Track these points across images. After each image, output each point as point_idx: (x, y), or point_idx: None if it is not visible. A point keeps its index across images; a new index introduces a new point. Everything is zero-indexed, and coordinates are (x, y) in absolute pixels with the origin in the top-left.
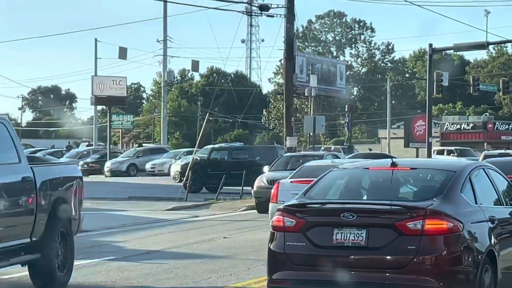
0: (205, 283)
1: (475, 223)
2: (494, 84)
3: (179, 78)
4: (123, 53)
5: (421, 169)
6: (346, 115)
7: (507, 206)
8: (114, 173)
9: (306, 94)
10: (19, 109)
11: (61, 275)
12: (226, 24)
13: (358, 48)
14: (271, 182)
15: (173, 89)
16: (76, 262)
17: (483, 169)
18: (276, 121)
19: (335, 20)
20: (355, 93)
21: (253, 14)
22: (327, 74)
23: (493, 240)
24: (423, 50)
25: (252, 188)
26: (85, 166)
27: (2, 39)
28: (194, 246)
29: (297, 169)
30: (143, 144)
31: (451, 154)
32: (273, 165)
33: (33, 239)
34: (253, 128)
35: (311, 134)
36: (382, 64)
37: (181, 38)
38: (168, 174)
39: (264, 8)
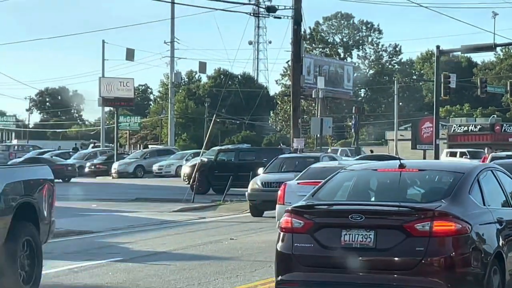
0: (211, 284)
1: (483, 224)
2: (501, 86)
3: (186, 79)
4: (130, 54)
5: (429, 171)
6: (353, 116)
7: None
8: (121, 174)
9: (313, 96)
10: (27, 110)
11: None
12: (233, 26)
13: (366, 50)
14: (266, 184)
15: (180, 91)
16: (82, 263)
17: (491, 170)
18: (283, 122)
19: (342, 21)
20: (362, 94)
21: (260, 15)
22: (334, 75)
23: (501, 241)
24: (430, 52)
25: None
26: (92, 167)
27: (10, 40)
28: (200, 247)
29: (304, 170)
30: (150, 146)
31: (464, 156)
32: (268, 167)
33: None
34: (260, 129)
35: (318, 135)
36: (390, 66)
37: (189, 39)
38: (175, 176)
39: (271, 9)
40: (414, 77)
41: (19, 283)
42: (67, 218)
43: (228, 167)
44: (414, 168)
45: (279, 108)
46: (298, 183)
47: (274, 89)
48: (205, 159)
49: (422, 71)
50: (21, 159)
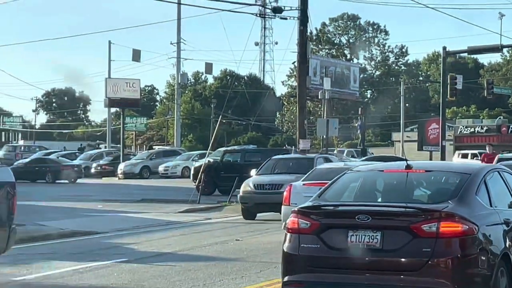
0: (216, 285)
1: (490, 225)
2: (508, 87)
3: (192, 80)
4: (136, 55)
5: (436, 172)
6: (359, 118)
7: None
8: (127, 175)
9: (319, 97)
10: (33, 111)
11: None
12: (239, 27)
13: (372, 51)
14: (258, 186)
15: (186, 92)
16: (87, 264)
17: (498, 172)
18: (290, 123)
19: (349, 23)
20: (368, 96)
21: (266, 16)
22: (340, 76)
23: (508, 242)
24: (437, 53)
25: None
26: (99, 168)
27: (17, 41)
28: (206, 248)
29: (310, 171)
30: (156, 147)
31: (475, 158)
32: (261, 169)
33: None
34: (266, 130)
35: (324, 136)
36: (396, 67)
37: (195, 40)
38: (181, 176)
39: (277, 10)
40: (421, 78)
41: None
42: (73, 218)
43: (234, 168)
44: (420, 169)
45: (285, 109)
46: (303, 184)
47: (280, 90)
48: (211, 160)
49: (428, 72)
50: (27, 160)
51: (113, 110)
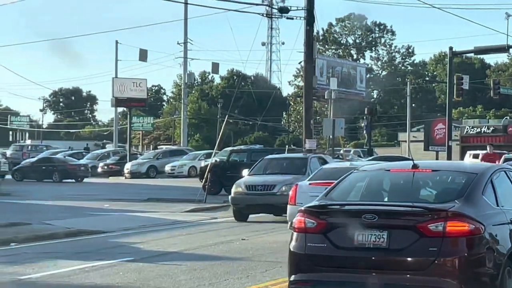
0: (222, 285)
1: (497, 225)
2: None
3: (199, 80)
4: (143, 55)
5: (443, 171)
6: (365, 118)
7: None
8: (134, 174)
9: (326, 97)
10: (41, 110)
11: None
12: (246, 27)
13: (379, 51)
14: (250, 188)
15: (193, 91)
16: (93, 263)
17: (505, 171)
18: (296, 123)
19: (355, 23)
20: (375, 96)
21: (273, 16)
22: (347, 77)
23: None
24: (443, 53)
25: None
26: (105, 167)
27: (24, 41)
28: (212, 247)
29: (316, 171)
30: (164, 146)
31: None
32: (253, 169)
33: None
34: (273, 130)
35: (330, 136)
36: (403, 67)
37: (202, 40)
38: (187, 176)
39: (283, 10)
40: (427, 78)
41: None
42: (79, 217)
43: (241, 168)
44: (427, 169)
45: (291, 109)
46: (309, 184)
47: (287, 90)
48: (218, 160)
49: (435, 73)
50: (34, 159)
51: (120, 109)
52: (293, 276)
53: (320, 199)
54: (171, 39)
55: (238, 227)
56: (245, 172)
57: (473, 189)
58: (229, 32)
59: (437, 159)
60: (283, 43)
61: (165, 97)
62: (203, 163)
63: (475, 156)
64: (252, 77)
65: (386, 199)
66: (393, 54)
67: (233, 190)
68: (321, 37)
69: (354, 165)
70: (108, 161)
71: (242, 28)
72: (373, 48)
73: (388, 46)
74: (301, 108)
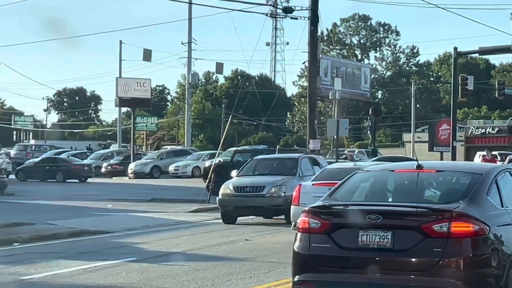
0: (225, 285)
1: (501, 226)
2: None
3: (203, 80)
4: (147, 55)
5: (447, 172)
6: (369, 118)
7: None
8: (137, 175)
9: (330, 97)
10: (45, 110)
11: None
12: (250, 27)
13: (383, 52)
14: (238, 189)
15: (197, 92)
16: (96, 263)
17: (510, 172)
18: (300, 124)
19: (360, 23)
20: (379, 96)
21: (277, 16)
22: (351, 77)
23: None
24: (448, 54)
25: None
26: (109, 167)
27: (28, 40)
28: (215, 248)
29: (319, 171)
30: (168, 146)
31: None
32: (242, 170)
33: None
34: (277, 131)
35: (334, 137)
36: (407, 68)
37: (206, 40)
38: (191, 176)
39: (287, 10)
40: (432, 79)
41: None
42: (83, 218)
43: None
44: (431, 169)
45: (296, 109)
46: (313, 184)
47: (291, 90)
48: (221, 160)
49: (439, 73)
50: (38, 159)
51: (124, 109)
52: (297, 276)
53: (324, 200)
54: (175, 39)
55: (241, 227)
56: (234, 173)
57: (478, 189)
58: (233, 32)
59: (441, 159)
60: (287, 43)
61: (169, 97)
62: (207, 164)
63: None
64: (256, 77)
65: (390, 200)
66: (398, 54)
67: (221, 191)
68: (325, 37)
69: (357, 166)
70: (111, 161)
71: (246, 28)
72: (378, 49)
73: (392, 47)
74: (305, 108)
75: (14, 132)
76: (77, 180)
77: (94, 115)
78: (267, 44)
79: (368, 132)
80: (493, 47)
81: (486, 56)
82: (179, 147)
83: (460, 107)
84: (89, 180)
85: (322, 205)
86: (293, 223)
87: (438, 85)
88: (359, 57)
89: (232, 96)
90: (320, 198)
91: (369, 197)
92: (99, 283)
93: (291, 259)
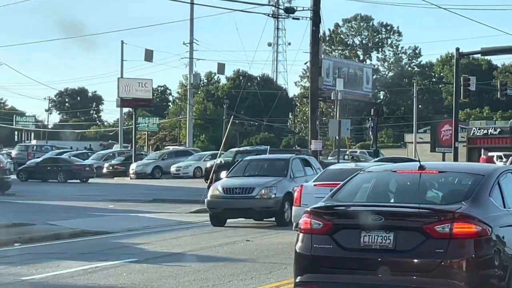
0: (226, 286)
1: (504, 227)
2: None
3: (205, 80)
4: (149, 55)
5: (449, 173)
6: (371, 118)
7: None
8: (139, 175)
9: (332, 98)
10: (46, 110)
11: None
12: (252, 27)
13: (385, 52)
14: (227, 191)
15: (199, 92)
16: (97, 264)
17: None
18: (302, 124)
19: (362, 24)
20: (381, 97)
21: (279, 17)
22: (353, 77)
23: None
24: (450, 55)
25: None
26: (110, 168)
27: (30, 40)
28: (216, 249)
29: (321, 172)
30: (170, 147)
31: (499, 160)
32: (231, 171)
33: None
34: (279, 131)
35: (336, 137)
36: (409, 68)
37: (208, 40)
38: (193, 177)
39: (289, 10)
40: (434, 79)
41: None
42: (84, 218)
43: None
44: (434, 170)
45: (297, 110)
46: (314, 185)
47: (293, 91)
48: (223, 161)
49: (441, 74)
50: (39, 159)
51: (125, 110)
52: (299, 277)
53: (326, 200)
54: (177, 40)
55: (242, 228)
56: (223, 174)
57: (480, 190)
58: (235, 33)
59: (443, 160)
60: (289, 44)
61: (170, 98)
62: (208, 164)
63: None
64: (258, 78)
65: (392, 201)
66: (400, 55)
67: (209, 193)
68: (327, 38)
69: (359, 166)
70: (113, 162)
71: (248, 29)
72: (380, 49)
73: (394, 47)
74: (307, 109)
75: (16, 132)
76: (78, 181)
77: (95, 116)
78: (269, 44)
79: (370, 133)
80: (495, 47)
81: (488, 57)
82: (181, 148)
83: (462, 108)
84: (90, 180)
85: (324, 205)
86: (294, 224)
87: (440, 85)
88: (361, 57)
89: (234, 97)
90: (321, 199)
91: (371, 198)
92: (100, 283)
93: (293, 260)
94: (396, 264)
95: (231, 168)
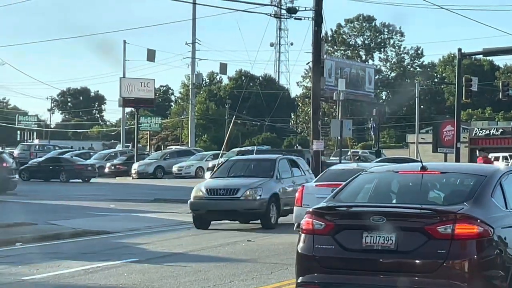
0: (227, 286)
1: (506, 228)
2: None
3: (207, 80)
4: (151, 55)
5: (451, 173)
6: (372, 119)
7: None
8: (141, 175)
9: (334, 98)
10: (49, 110)
11: None
12: (254, 27)
13: (387, 52)
14: (211, 192)
15: (201, 92)
16: (98, 264)
17: None
18: (304, 124)
19: (364, 24)
20: (383, 97)
21: (281, 17)
22: (355, 78)
23: None
24: (452, 55)
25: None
26: (112, 167)
27: (32, 40)
28: (217, 249)
29: (322, 172)
30: (173, 147)
31: (504, 161)
32: (216, 171)
33: None
34: (281, 131)
35: (338, 137)
36: (411, 69)
37: (210, 40)
38: (195, 177)
39: (291, 10)
40: (436, 80)
41: None
42: (85, 218)
43: None
44: (436, 171)
45: (300, 110)
46: (316, 185)
47: (295, 91)
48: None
49: (443, 74)
50: (41, 159)
51: (128, 110)
52: (300, 277)
53: (328, 201)
54: (179, 40)
55: (244, 228)
56: (207, 174)
57: (482, 191)
58: (237, 33)
59: (445, 161)
60: (291, 44)
61: (173, 98)
62: (210, 164)
63: (495, 159)
64: (260, 78)
65: (394, 201)
66: (402, 55)
67: (192, 194)
68: (329, 38)
69: (361, 167)
70: (115, 161)
71: (250, 29)
72: (382, 49)
73: (397, 48)
74: (309, 109)
75: (18, 132)
76: (80, 180)
77: (98, 115)
78: (271, 44)
79: (372, 133)
80: (498, 48)
81: (491, 58)
82: (184, 147)
83: (464, 108)
84: (92, 180)
85: (326, 206)
86: (295, 224)
87: (442, 86)
88: (363, 58)
89: (236, 97)
90: (323, 199)
91: (373, 198)
92: (100, 283)
93: (295, 260)
94: (398, 265)
95: (216, 169)
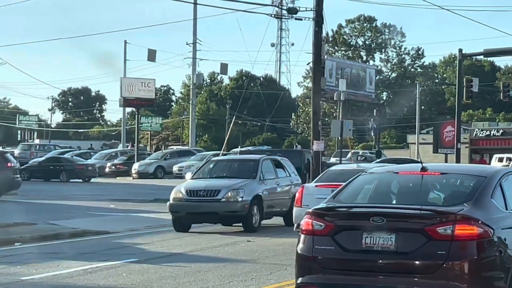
0: (226, 287)
1: (506, 229)
2: None
3: (208, 81)
4: (152, 55)
5: (451, 174)
6: (373, 119)
7: None
8: (141, 175)
9: (335, 98)
10: (49, 110)
11: None
12: (255, 28)
13: (388, 53)
14: (191, 193)
15: (202, 92)
16: (97, 264)
17: None
18: (305, 125)
19: (365, 24)
20: (384, 97)
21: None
22: (356, 78)
23: None
24: (453, 56)
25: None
26: (113, 167)
27: (33, 40)
28: (217, 249)
29: (322, 173)
30: (172, 147)
31: (509, 161)
32: (197, 172)
33: None
34: (281, 131)
35: (338, 138)
36: (412, 69)
37: (211, 41)
38: None
39: (292, 11)
40: (437, 80)
41: None
42: (85, 218)
43: None
44: (436, 172)
45: (300, 110)
46: (315, 186)
47: (295, 91)
48: None
49: (444, 75)
50: (42, 159)
51: (129, 109)
52: (300, 278)
53: (328, 201)
54: (180, 40)
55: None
56: (188, 175)
57: (482, 192)
58: (238, 33)
59: (446, 161)
60: (292, 44)
61: (173, 98)
62: None
63: (500, 160)
64: (261, 78)
65: (394, 202)
66: (403, 56)
67: (171, 195)
68: (330, 39)
69: (361, 167)
70: (115, 161)
71: (251, 29)
72: (383, 50)
73: (397, 48)
74: (310, 109)
75: (19, 132)
76: (80, 180)
77: (99, 115)
78: (272, 45)
79: (372, 134)
80: (498, 49)
81: (491, 58)
82: (185, 148)
83: (464, 109)
84: (92, 180)
85: (326, 207)
86: (295, 225)
87: (443, 86)
88: (364, 58)
89: (237, 97)
90: (322, 200)
91: (373, 199)
92: (99, 284)
93: (294, 261)
94: (397, 266)
95: (197, 169)
